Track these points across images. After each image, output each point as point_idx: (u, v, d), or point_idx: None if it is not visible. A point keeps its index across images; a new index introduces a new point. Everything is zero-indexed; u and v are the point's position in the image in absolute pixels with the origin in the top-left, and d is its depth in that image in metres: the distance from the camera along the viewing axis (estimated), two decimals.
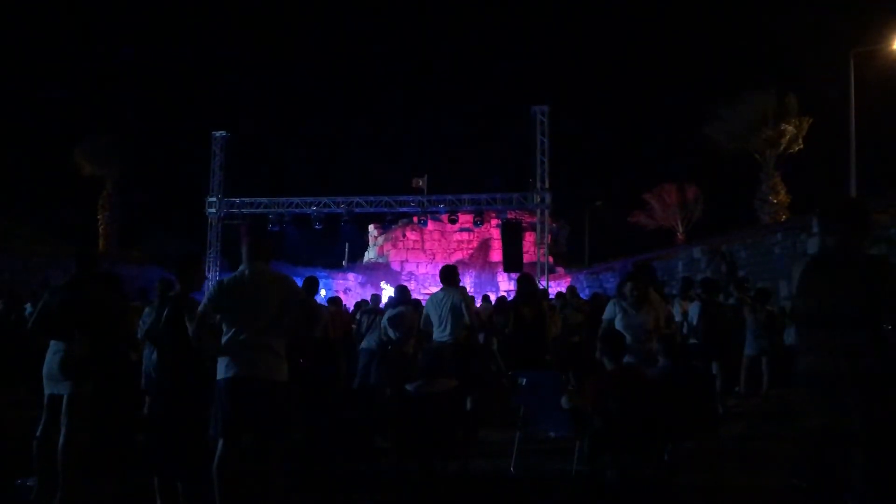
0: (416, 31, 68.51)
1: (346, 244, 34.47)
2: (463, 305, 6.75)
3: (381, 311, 8.25)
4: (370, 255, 36.35)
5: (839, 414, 3.05)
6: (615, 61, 60.87)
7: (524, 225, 25.49)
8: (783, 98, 24.17)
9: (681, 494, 4.68)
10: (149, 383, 5.51)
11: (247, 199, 22.63)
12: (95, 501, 4.57)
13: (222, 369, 3.85)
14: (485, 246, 34.60)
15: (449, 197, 21.79)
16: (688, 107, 51.71)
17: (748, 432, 6.91)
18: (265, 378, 3.83)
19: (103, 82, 49.60)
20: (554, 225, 28.22)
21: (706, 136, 25.97)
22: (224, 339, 3.88)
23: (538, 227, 21.64)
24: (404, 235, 35.01)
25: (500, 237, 26.50)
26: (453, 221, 23.96)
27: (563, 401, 4.91)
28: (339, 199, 22.05)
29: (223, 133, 22.67)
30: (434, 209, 22.19)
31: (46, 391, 4.49)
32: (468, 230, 33.35)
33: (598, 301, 9.83)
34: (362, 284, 31.59)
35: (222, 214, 22.45)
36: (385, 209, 22.19)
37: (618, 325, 5.85)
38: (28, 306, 10.07)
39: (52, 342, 4.49)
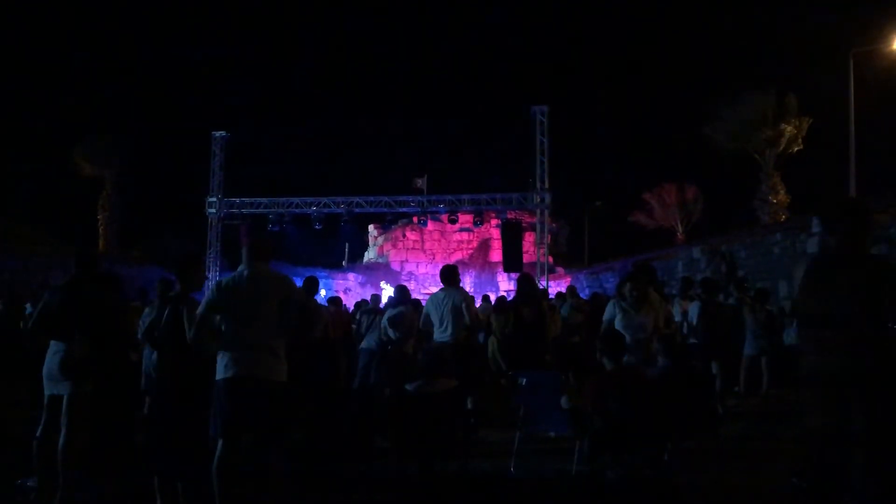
0: (416, 31, 68.59)
1: (346, 244, 34.49)
2: (464, 306, 6.75)
3: (381, 311, 8.25)
4: (370, 255, 36.35)
5: (841, 413, 3.05)
6: (615, 61, 60.99)
7: (524, 225, 25.48)
8: (783, 98, 24.18)
9: (681, 494, 4.68)
10: (149, 383, 5.51)
11: (247, 199, 22.62)
12: (95, 501, 4.57)
13: (221, 369, 3.85)
14: (485, 246, 34.60)
15: (449, 197, 21.79)
16: (688, 107, 51.77)
17: (748, 432, 6.91)
18: (264, 378, 3.84)
19: (103, 82, 49.69)
20: (554, 225, 28.22)
21: (706, 136, 26.00)
22: (223, 339, 3.88)
23: (538, 227, 21.63)
24: (404, 235, 35.01)
25: (499, 237, 26.49)
26: (453, 221, 23.96)
27: (563, 401, 4.91)
28: (339, 199, 22.04)
29: (223, 133, 22.65)
30: (434, 209, 22.19)
31: (46, 391, 4.48)
32: (468, 230, 33.35)
33: (598, 301, 9.83)
34: (362, 284, 31.59)
35: (222, 214, 22.44)
36: (385, 209, 22.18)
37: (618, 325, 5.85)
38: (28, 306, 10.08)
39: (52, 342, 4.49)
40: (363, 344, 8.19)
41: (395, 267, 34.30)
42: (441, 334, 6.75)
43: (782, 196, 24.34)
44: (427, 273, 33.04)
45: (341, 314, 10.01)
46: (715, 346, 7.79)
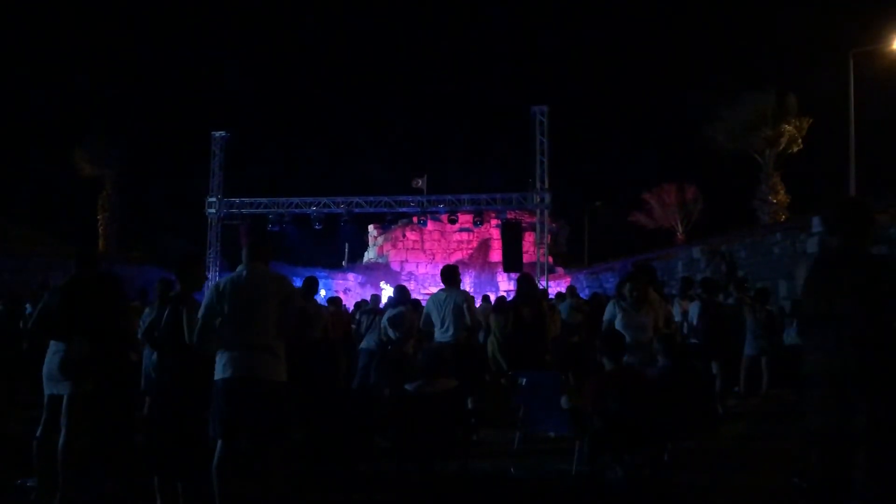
0: (416, 31, 68.58)
1: (346, 244, 34.52)
2: (465, 306, 6.75)
3: (381, 312, 8.25)
4: (370, 255, 36.36)
5: (843, 413, 3.05)
6: (615, 61, 60.96)
7: (524, 225, 25.47)
8: (783, 98, 24.17)
9: (681, 494, 4.68)
10: (149, 383, 5.51)
11: (247, 199, 22.62)
12: (95, 501, 4.57)
13: (220, 369, 3.85)
14: (484, 246, 34.60)
15: (449, 197, 21.79)
16: (688, 107, 51.71)
17: (748, 432, 6.91)
18: (263, 378, 3.83)
19: (103, 82, 49.66)
20: (554, 225, 28.22)
21: (706, 136, 26.00)
22: (223, 340, 3.88)
23: (538, 227, 21.63)
24: (404, 235, 35.01)
25: (499, 237, 26.48)
26: (453, 221, 23.95)
27: (563, 401, 4.91)
28: (339, 199, 22.04)
29: (223, 133, 22.64)
30: (434, 209, 22.18)
31: (46, 391, 4.48)
32: (468, 230, 33.35)
33: (597, 301, 9.83)
34: (362, 284, 31.59)
35: (222, 214, 22.44)
36: (385, 209, 22.18)
37: (618, 325, 5.84)
38: (28, 306, 10.07)
39: (52, 342, 4.49)
40: (363, 344, 8.19)
41: (395, 267, 34.30)
42: (442, 334, 6.75)
43: (782, 196, 24.34)
44: (427, 273, 33.05)
45: (341, 314, 10.01)
46: (715, 346, 7.80)
